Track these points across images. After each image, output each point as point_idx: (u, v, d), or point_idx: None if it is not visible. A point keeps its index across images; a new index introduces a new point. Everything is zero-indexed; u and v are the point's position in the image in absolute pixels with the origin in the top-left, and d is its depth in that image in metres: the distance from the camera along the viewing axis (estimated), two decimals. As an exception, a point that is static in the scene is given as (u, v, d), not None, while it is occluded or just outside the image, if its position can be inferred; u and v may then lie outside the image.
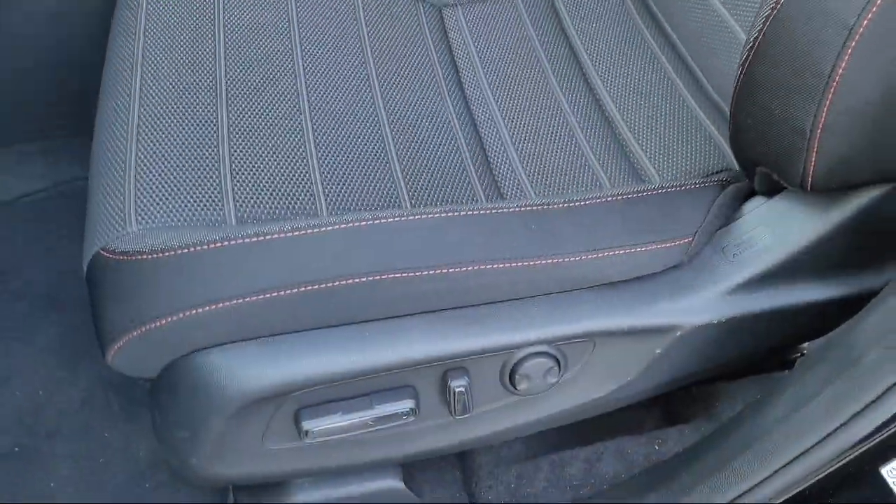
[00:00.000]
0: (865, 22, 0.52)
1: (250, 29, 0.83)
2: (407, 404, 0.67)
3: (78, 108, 1.12)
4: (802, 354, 0.93)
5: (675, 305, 0.69)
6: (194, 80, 0.75)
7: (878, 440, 0.60)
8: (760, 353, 0.79)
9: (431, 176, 0.75)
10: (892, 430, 0.60)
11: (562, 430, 0.80)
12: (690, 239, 0.69)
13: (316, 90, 0.78)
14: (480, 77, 0.87)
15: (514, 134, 0.82)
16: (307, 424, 0.65)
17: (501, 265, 0.65)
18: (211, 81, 0.76)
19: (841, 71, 0.55)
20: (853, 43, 0.53)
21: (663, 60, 0.89)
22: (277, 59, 0.80)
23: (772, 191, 0.72)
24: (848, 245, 0.70)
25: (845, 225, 0.68)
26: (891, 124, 0.59)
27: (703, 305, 0.69)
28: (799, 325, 0.75)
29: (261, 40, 0.82)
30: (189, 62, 0.77)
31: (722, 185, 0.75)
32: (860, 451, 0.61)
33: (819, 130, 0.58)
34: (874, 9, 0.52)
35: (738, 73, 0.64)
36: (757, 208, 0.72)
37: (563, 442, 0.93)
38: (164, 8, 0.83)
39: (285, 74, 0.79)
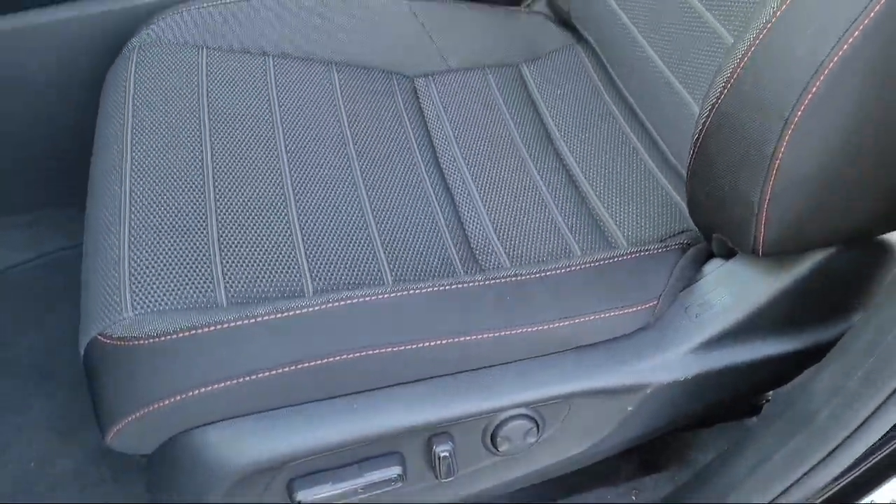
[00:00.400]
0: (800, 113, 0.57)
1: (233, 107, 0.86)
2: (395, 471, 0.70)
3: (63, 180, 1.14)
4: (768, 401, 0.98)
5: (644, 365, 0.73)
6: (182, 165, 0.78)
7: (836, 489, 0.64)
8: (727, 403, 0.83)
9: (412, 252, 0.78)
10: (847, 481, 0.64)
11: (543, 483, 0.83)
12: (656, 302, 0.74)
13: (298, 173, 0.81)
14: (455, 151, 0.91)
15: (489, 206, 0.86)
16: (300, 495, 0.67)
17: (478, 336, 0.68)
18: (198, 165, 0.79)
19: (781, 154, 0.60)
20: (790, 131, 0.58)
21: (622, 121, 0.94)
22: (260, 140, 0.83)
23: (729, 253, 0.76)
24: (802, 302, 0.74)
25: (798, 284, 0.73)
26: (829, 197, 0.64)
27: (669, 364, 0.73)
28: (762, 378, 0.79)
29: (243, 120, 0.85)
30: (176, 146, 0.80)
31: (683, 248, 0.79)
32: (821, 499, 0.66)
33: (766, 204, 0.63)
34: (806, 102, 0.57)
35: (690, 150, 0.69)
36: (716, 270, 0.77)
37: (545, 494, 0.96)
38: (150, 91, 0.85)
39: (268, 157, 0.82)
